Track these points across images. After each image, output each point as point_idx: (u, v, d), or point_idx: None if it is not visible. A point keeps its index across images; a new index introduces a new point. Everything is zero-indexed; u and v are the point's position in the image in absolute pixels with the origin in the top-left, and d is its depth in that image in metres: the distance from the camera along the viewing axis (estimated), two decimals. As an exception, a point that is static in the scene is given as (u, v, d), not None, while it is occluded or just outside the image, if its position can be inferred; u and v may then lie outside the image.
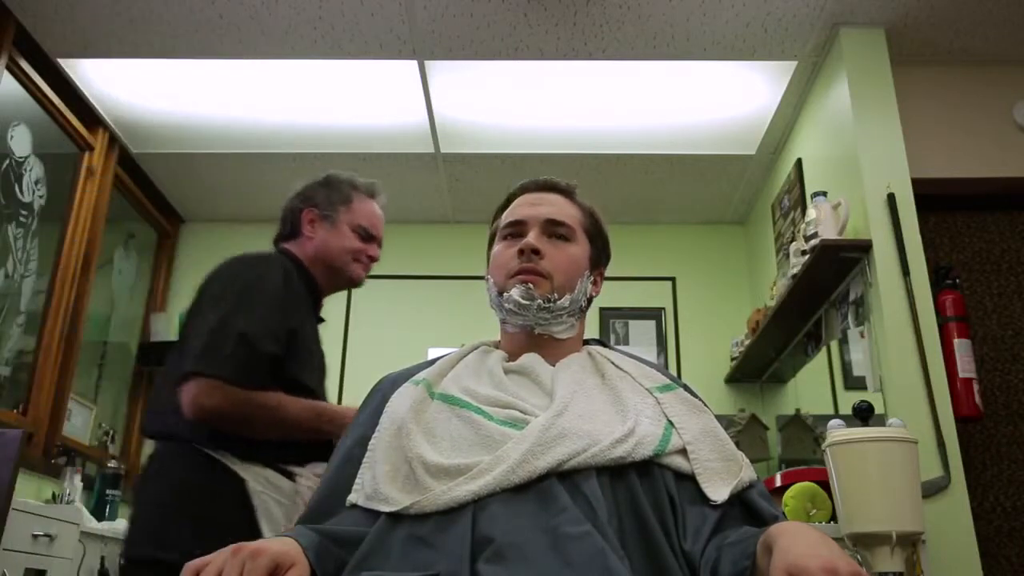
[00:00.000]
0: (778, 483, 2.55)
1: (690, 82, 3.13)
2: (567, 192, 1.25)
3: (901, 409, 2.33)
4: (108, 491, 3.03)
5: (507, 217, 1.22)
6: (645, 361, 1.20)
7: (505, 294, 1.14)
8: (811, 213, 2.68)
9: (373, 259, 1.85)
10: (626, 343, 3.96)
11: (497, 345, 1.23)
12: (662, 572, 0.88)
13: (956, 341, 2.45)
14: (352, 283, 1.85)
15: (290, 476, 1.56)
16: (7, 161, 2.85)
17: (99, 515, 2.88)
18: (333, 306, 4.12)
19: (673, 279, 4.11)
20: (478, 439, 0.99)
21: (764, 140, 3.48)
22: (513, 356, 1.16)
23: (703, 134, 3.46)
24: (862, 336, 2.61)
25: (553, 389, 1.06)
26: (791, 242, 3.00)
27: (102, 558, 2.61)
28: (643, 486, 0.95)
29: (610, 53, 2.94)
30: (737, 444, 1.08)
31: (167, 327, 3.89)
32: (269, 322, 1.55)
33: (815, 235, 2.62)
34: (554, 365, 1.13)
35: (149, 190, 3.89)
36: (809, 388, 3.35)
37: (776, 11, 2.74)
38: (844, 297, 2.75)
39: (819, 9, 2.74)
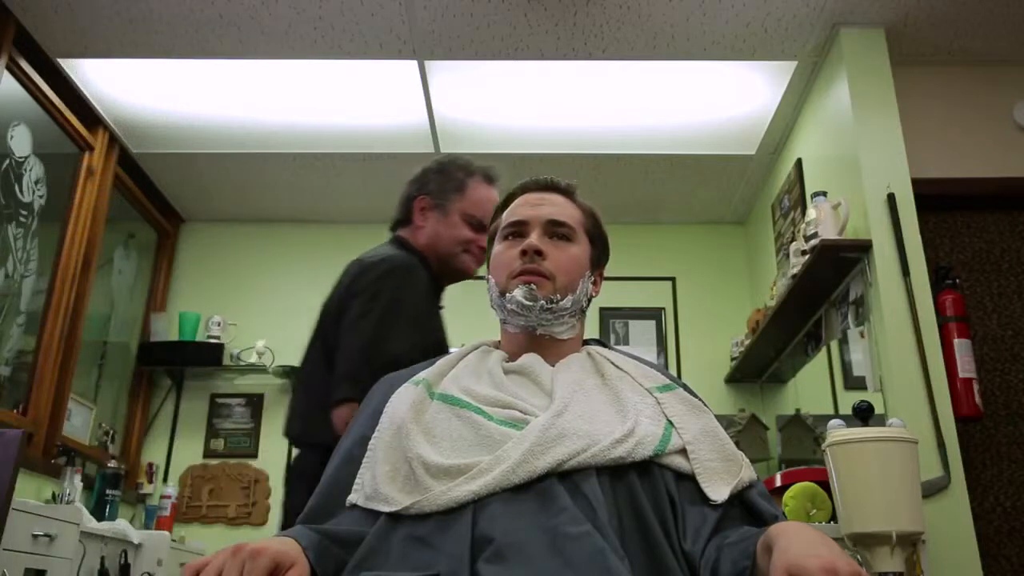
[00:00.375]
0: (778, 483, 2.55)
1: (690, 82, 3.13)
2: (567, 192, 1.25)
3: (901, 409, 2.33)
4: (108, 491, 3.03)
5: (508, 217, 1.22)
6: (645, 361, 1.20)
7: (508, 295, 1.14)
8: (811, 213, 2.68)
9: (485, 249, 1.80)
10: (626, 343, 3.96)
11: (497, 345, 1.23)
12: (662, 572, 0.88)
13: (956, 341, 2.45)
14: (463, 275, 1.76)
15: None
16: (7, 161, 2.85)
17: (99, 515, 2.88)
18: (333, 306, 4.13)
19: (673, 279, 4.11)
20: (478, 439, 0.99)
21: (764, 140, 3.48)
22: (513, 356, 1.16)
23: (703, 134, 3.46)
24: (862, 336, 2.61)
25: (553, 389, 1.06)
26: (791, 242, 3.00)
27: (102, 558, 2.61)
28: (643, 486, 0.95)
29: (610, 53, 2.94)
30: (737, 444, 1.08)
31: (167, 327, 3.89)
32: (416, 341, 1.53)
33: (815, 235, 2.62)
34: (554, 365, 1.13)
35: (149, 190, 3.89)
36: (809, 388, 3.34)
37: (776, 11, 2.74)
38: (844, 297, 2.75)
39: (819, 9, 2.74)
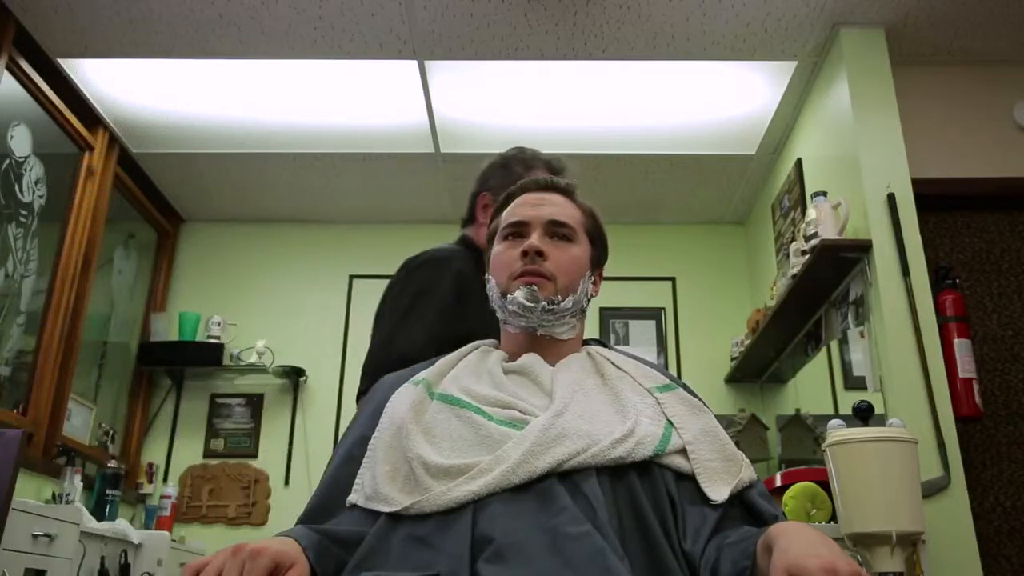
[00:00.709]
0: (778, 483, 2.55)
1: (690, 82, 3.13)
2: (567, 192, 1.25)
3: (901, 409, 2.33)
4: (108, 491, 3.03)
5: (508, 217, 1.22)
6: (645, 361, 1.20)
7: (509, 296, 1.14)
8: (811, 213, 2.68)
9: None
10: (626, 343, 3.96)
11: (497, 345, 1.23)
12: (662, 572, 0.88)
13: (956, 341, 2.45)
14: None
15: None
16: (7, 161, 2.85)
17: (99, 515, 2.88)
18: (334, 306, 4.15)
19: (673, 279, 4.11)
20: (478, 439, 0.99)
21: (764, 140, 3.48)
22: (513, 356, 1.16)
23: (703, 134, 3.46)
24: (862, 336, 2.61)
25: (553, 389, 1.06)
26: (791, 242, 3.00)
27: (102, 558, 2.61)
28: (643, 486, 0.95)
29: (610, 53, 2.94)
30: (737, 444, 1.08)
31: (167, 327, 3.89)
32: (437, 334, 1.50)
33: (815, 235, 2.62)
34: (554, 365, 1.13)
35: (149, 190, 3.89)
36: (809, 388, 3.35)
37: (776, 11, 2.74)
38: (844, 297, 2.75)
39: (819, 9, 2.74)
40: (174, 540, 3.06)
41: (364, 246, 4.18)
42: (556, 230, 1.18)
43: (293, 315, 4.05)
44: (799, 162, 3.26)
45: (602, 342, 1.26)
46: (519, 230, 1.19)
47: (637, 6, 2.72)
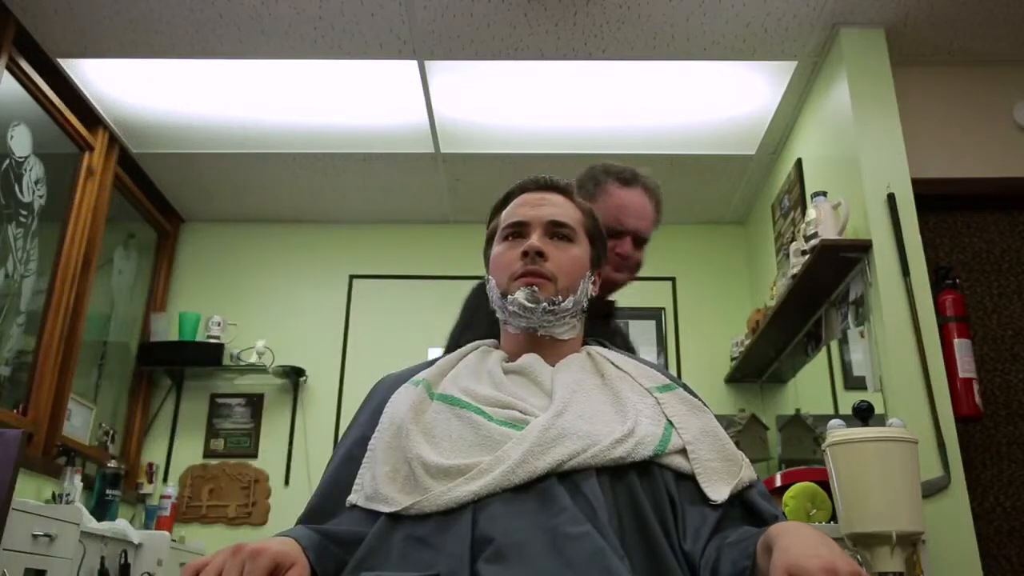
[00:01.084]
0: (778, 483, 2.55)
1: (690, 82, 3.13)
2: (566, 192, 1.25)
3: (901, 409, 2.33)
4: (108, 491, 3.03)
5: (508, 217, 1.22)
6: (645, 361, 1.20)
7: (509, 296, 1.14)
8: (811, 213, 2.68)
9: (623, 256, 1.60)
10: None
11: (497, 345, 1.23)
12: (662, 572, 0.88)
13: (956, 341, 2.45)
14: (608, 285, 1.62)
15: None
16: (7, 161, 2.85)
17: (99, 515, 2.88)
18: (333, 306, 4.15)
19: (673, 279, 4.11)
20: (478, 439, 0.99)
21: (764, 140, 3.48)
22: (513, 356, 1.16)
23: (703, 134, 3.46)
24: (862, 336, 2.61)
25: (553, 389, 1.06)
26: (791, 242, 3.00)
27: (102, 558, 2.61)
28: (643, 486, 0.95)
29: (610, 53, 2.94)
30: (737, 444, 1.08)
31: (167, 327, 3.89)
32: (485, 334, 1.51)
33: (815, 235, 2.62)
34: (554, 366, 1.13)
35: (149, 190, 3.89)
36: (809, 388, 3.34)
37: (776, 11, 2.74)
38: (844, 297, 2.75)
39: (819, 9, 2.74)
40: (174, 540, 3.06)
41: (364, 246, 4.18)
42: (556, 230, 1.18)
43: (293, 315, 4.05)
44: (799, 162, 3.26)
45: (602, 342, 1.26)
46: (519, 230, 1.19)
47: (637, 6, 2.72)
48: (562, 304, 1.14)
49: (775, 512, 0.99)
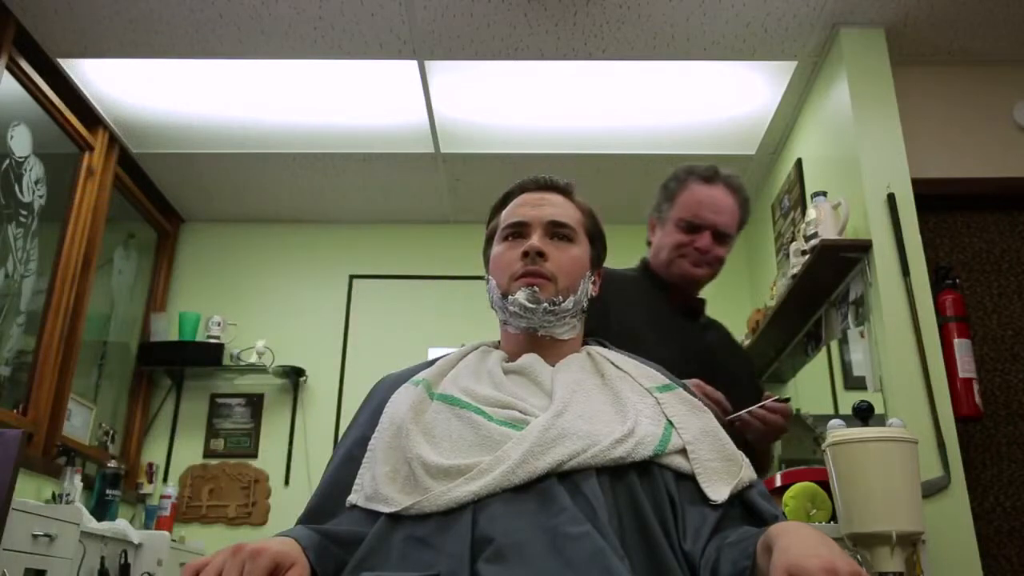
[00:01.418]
0: (778, 483, 2.55)
1: (690, 82, 3.13)
2: (566, 191, 1.25)
3: (901, 409, 2.33)
4: (108, 491, 3.03)
5: (508, 217, 1.22)
6: (645, 361, 1.20)
7: (510, 297, 1.14)
8: (811, 213, 2.68)
9: (702, 251, 1.65)
10: (626, 343, 3.95)
11: (497, 345, 1.23)
12: (662, 572, 0.88)
13: (956, 341, 2.45)
14: (688, 280, 1.69)
15: None
16: (7, 161, 2.85)
17: (99, 515, 2.88)
18: (333, 306, 4.15)
19: (673, 279, 4.10)
20: (478, 439, 0.99)
21: (764, 140, 3.48)
22: (513, 356, 1.16)
23: (703, 134, 3.46)
24: (862, 336, 2.61)
25: (552, 389, 1.06)
26: (791, 242, 3.00)
27: (102, 558, 2.61)
28: (643, 486, 0.95)
29: (610, 53, 2.94)
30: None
31: (167, 327, 3.89)
32: None
33: (815, 235, 2.62)
34: (553, 366, 1.13)
35: (149, 190, 3.89)
36: (809, 388, 3.34)
37: (776, 11, 2.74)
38: (844, 297, 2.75)
39: (819, 9, 2.74)
40: (174, 540, 3.06)
41: (364, 246, 4.18)
42: (556, 230, 1.18)
43: (293, 315, 4.05)
44: (799, 162, 3.26)
45: (602, 342, 1.26)
46: (519, 230, 1.19)
47: (637, 6, 2.72)
48: (562, 304, 1.14)
49: (775, 512, 0.99)
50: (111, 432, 3.58)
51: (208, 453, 3.82)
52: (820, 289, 2.83)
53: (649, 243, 1.81)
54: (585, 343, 1.23)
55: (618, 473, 0.95)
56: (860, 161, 2.63)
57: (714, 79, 3.10)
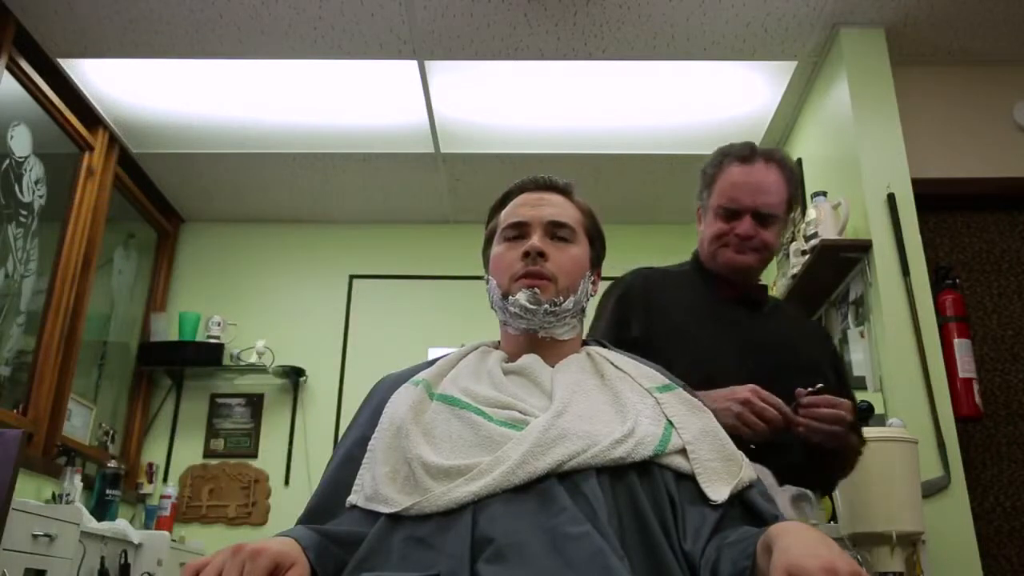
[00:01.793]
0: (778, 483, 2.55)
1: (690, 82, 3.13)
2: (565, 191, 1.25)
3: (901, 409, 2.33)
4: (108, 491, 3.03)
5: (508, 218, 1.22)
6: (644, 361, 1.20)
7: (511, 297, 1.14)
8: (811, 213, 2.69)
9: (743, 237, 1.52)
10: (626, 343, 3.95)
11: (497, 345, 1.23)
12: (662, 572, 0.88)
13: (956, 341, 2.45)
14: (735, 270, 1.57)
15: None
16: (7, 161, 2.85)
17: (99, 515, 2.88)
18: (334, 306, 4.15)
19: (673, 279, 4.10)
20: (478, 440, 0.99)
21: (764, 140, 3.47)
22: (513, 357, 1.16)
23: (703, 134, 3.45)
24: (862, 336, 2.61)
25: (552, 390, 1.06)
26: (791, 242, 3.00)
27: (102, 558, 2.61)
28: (643, 486, 0.95)
29: (610, 53, 2.94)
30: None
31: (167, 327, 3.89)
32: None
33: (815, 235, 2.63)
34: (553, 366, 1.13)
35: (149, 190, 3.89)
36: (809, 388, 3.34)
37: (776, 11, 2.74)
38: (844, 297, 2.75)
39: (819, 9, 2.74)
40: (174, 540, 3.06)
41: (364, 246, 4.18)
42: (557, 231, 1.18)
43: (293, 315, 4.05)
44: (799, 162, 3.26)
45: (601, 342, 1.26)
46: (519, 231, 1.19)
47: (637, 6, 2.72)
48: (563, 305, 1.15)
49: (775, 512, 0.99)
50: (111, 432, 3.58)
51: (208, 453, 3.82)
52: (820, 289, 2.83)
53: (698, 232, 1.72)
54: (585, 343, 1.23)
55: (618, 473, 0.95)
56: (860, 161, 2.63)
57: (714, 79, 3.10)
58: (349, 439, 1.12)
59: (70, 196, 3.25)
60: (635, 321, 1.53)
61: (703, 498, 0.97)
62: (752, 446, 1.29)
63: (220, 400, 3.90)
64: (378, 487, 0.98)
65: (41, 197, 3.05)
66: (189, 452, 3.82)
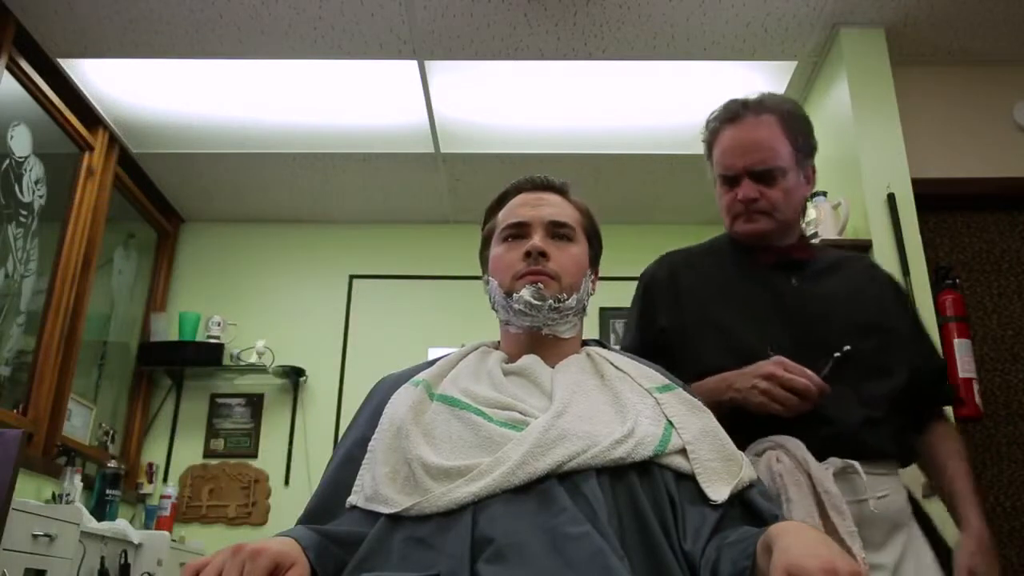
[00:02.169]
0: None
1: (690, 82, 3.13)
2: (563, 191, 1.25)
3: (901, 409, 2.32)
4: (108, 491, 3.03)
5: (507, 218, 1.22)
6: (644, 361, 1.20)
7: (515, 295, 1.14)
8: (811, 213, 2.68)
9: (747, 201, 1.41)
10: (626, 343, 3.95)
11: (497, 346, 1.23)
12: (662, 572, 0.88)
13: (956, 341, 2.45)
14: (753, 238, 1.45)
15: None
16: (7, 161, 2.85)
17: (99, 515, 2.88)
18: (334, 306, 4.14)
19: (673, 279, 4.10)
20: (478, 440, 0.99)
21: (764, 140, 3.47)
22: (513, 357, 1.16)
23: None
24: (862, 336, 2.61)
25: (552, 390, 1.06)
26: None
27: (102, 558, 2.61)
28: (643, 486, 0.95)
29: (610, 53, 2.94)
30: (737, 444, 1.08)
31: (167, 327, 3.89)
32: (634, 334, 1.51)
33: (815, 235, 2.62)
34: (553, 366, 1.13)
35: (149, 190, 3.89)
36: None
37: (776, 11, 2.74)
38: (844, 297, 2.75)
39: (819, 9, 2.74)
40: (174, 540, 3.06)
41: (364, 246, 4.18)
42: (557, 230, 1.19)
43: (293, 315, 4.05)
44: (799, 162, 3.25)
45: (601, 342, 1.26)
46: (519, 231, 1.19)
47: (637, 6, 2.72)
48: (567, 302, 1.15)
49: (775, 512, 0.99)
50: (111, 432, 3.58)
51: (208, 453, 3.82)
52: (820, 289, 2.83)
53: None
54: (584, 343, 1.23)
55: (618, 473, 0.95)
56: (860, 161, 2.63)
57: (714, 79, 3.10)
58: (349, 439, 1.12)
59: (70, 196, 3.25)
60: (662, 311, 1.48)
61: (703, 498, 0.97)
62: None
63: (220, 400, 3.90)
64: (378, 487, 0.98)
65: (41, 197, 3.05)
66: (189, 452, 3.82)
